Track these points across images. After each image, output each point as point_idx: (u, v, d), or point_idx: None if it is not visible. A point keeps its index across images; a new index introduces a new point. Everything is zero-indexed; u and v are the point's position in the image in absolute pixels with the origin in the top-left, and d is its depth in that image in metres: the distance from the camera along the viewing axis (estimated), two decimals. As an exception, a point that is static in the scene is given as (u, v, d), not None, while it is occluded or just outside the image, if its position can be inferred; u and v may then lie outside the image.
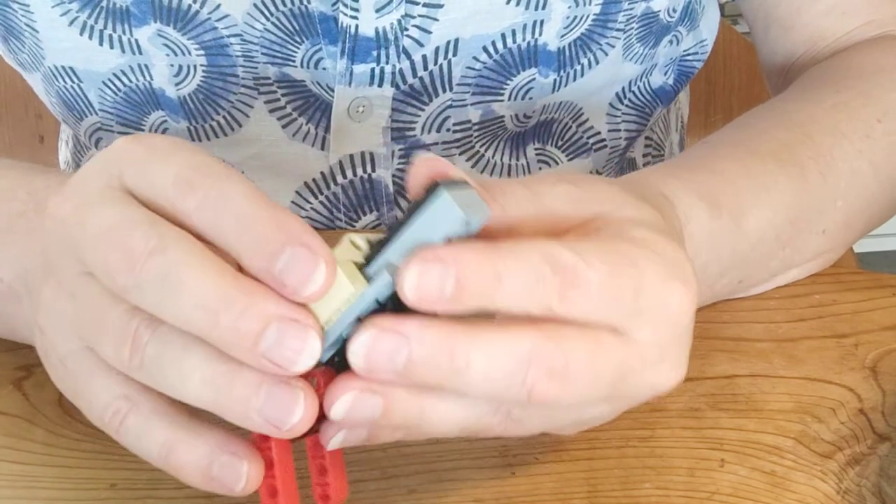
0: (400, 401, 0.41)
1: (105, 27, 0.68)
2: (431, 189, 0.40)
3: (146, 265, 0.40)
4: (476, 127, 0.74)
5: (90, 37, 0.68)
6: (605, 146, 0.81)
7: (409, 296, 0.39)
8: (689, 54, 0.82)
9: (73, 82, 0.72)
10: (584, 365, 0.41)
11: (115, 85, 0.71)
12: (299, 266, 0.39)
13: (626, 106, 0.80)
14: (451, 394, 0.41)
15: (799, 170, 0.60)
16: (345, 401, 0.40)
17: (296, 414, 0.40)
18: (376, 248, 0.41)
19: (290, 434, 0.41)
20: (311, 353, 0.40)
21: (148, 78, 0.70)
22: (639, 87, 0.79)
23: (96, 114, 0.73)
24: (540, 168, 0.79)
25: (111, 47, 0.69)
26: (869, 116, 0.64)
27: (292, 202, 0.76)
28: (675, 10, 0.76)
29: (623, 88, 0.78)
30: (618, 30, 0.73)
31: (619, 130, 0.81)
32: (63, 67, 0.71)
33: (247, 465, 0.42)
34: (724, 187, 0.57)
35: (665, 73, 0.81)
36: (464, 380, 0.40)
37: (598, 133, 0.80)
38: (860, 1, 0.73)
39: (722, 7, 0.80)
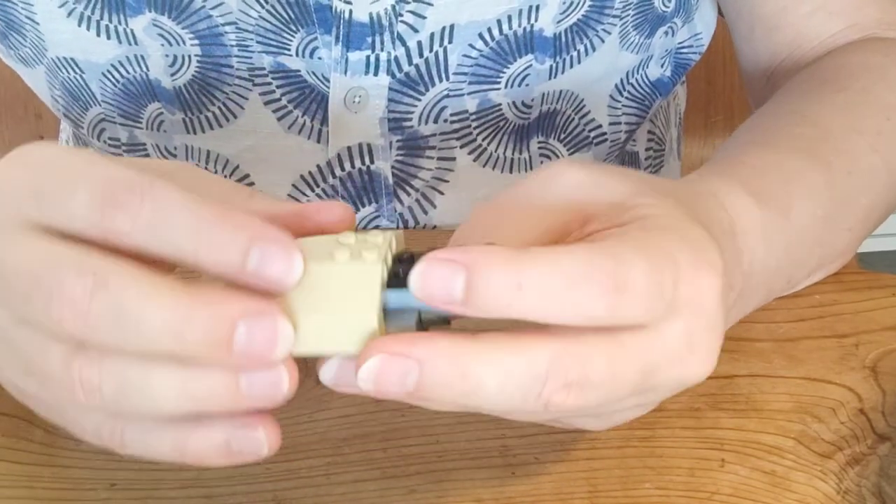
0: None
1: (101, 18, 0.68)
2: None
3: (92, 307, 0.38)
4: (474, 117, 0.74)
5: (88, 28, 0.68)
6: (606, 139, 0.81)
7: (417, 295, 0.38)
8: (684, 46, 0.82)
9: (76, 73, 0.72)
10: (605, 373, 0.40)
11: (113, 76, 0.71)
12: (271, 259, 0.39)
13: (626, 98, 0.79)
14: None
15: (826, 166, 0.59)
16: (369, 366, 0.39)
17: (284, 386, 0.39)
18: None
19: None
20: (284, 339, 0.38)
21: (144, 69, 0.70)
22: (637, 79, 0.79)
23: (99, 105, 0.73)
24: (542, 162, 0.79)
25: (108, 38, 0.68)
26: (876, 114, 0.64)
27: (289, 195, 0.76)
28: (669, 0, 0.76)
29: (622, 80, 0.78)
30: (614, 16, 0.72)
31: (620, 123, 0.80)
32: (65, 59, 0.71)
33: (262, 431, 0.41)
34: (767, 182, 0.56)
35: (662, 66, 0.81)
36: (477, 398, 0.39)
37: (600, 126, 0.80)
38: (845, 3, 0.73)
39: (720, 7, 0.79)
